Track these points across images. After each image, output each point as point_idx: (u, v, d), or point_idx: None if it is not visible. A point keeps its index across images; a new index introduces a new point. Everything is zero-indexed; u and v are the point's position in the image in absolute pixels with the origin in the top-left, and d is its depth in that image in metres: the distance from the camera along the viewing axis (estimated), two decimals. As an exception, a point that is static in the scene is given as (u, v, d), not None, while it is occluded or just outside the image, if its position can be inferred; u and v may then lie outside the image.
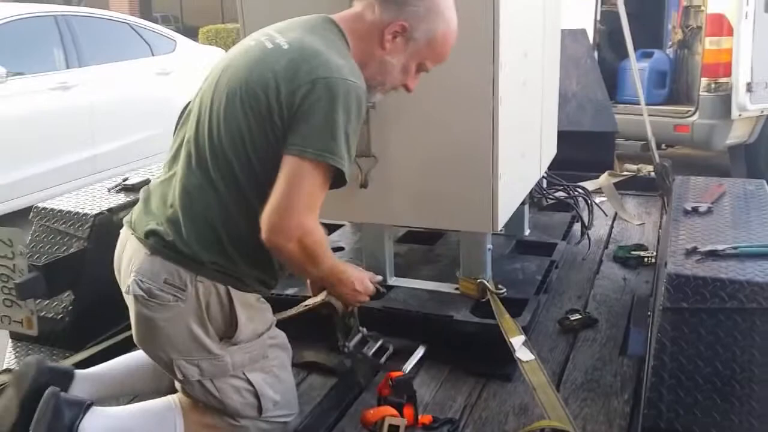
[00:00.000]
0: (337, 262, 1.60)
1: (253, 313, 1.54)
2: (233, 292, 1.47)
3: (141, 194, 1.58)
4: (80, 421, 1.48)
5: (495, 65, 1.82)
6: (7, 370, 1.83)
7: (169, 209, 1.46)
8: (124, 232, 1.55)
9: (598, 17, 5.45)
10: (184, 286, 1.43)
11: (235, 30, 17.73)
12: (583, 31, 3.97)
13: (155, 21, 19.93)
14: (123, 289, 1.50)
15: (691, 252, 1.54)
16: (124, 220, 1.57)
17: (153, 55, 6.00)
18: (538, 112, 2.41)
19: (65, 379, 1.61)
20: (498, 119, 1.85)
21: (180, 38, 6.55)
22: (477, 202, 1.93)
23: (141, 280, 1.43)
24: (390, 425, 1.53)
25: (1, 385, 1.70)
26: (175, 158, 1.52)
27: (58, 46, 5.08)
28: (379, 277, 1.78)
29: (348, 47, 1.48)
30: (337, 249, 2.46)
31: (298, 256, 1.41)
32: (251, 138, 1.40)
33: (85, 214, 2.06)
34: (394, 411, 1.57)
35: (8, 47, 4.71)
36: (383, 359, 1.87)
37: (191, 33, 13.32)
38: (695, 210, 1.83)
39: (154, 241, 1.45)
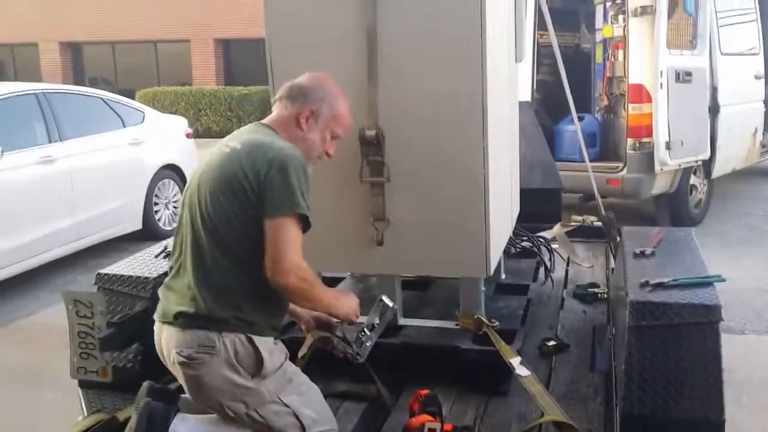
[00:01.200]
0: (330, 291, 2.04)
1: (272, 349, 1.92)
2: (253, 337, 1.87)
3: (160, 293, 1.97)
4: (171, 422, 1.85)
5: (484, 143, 2.33)
6: (98, 411, 2.16)
7: (188, 291, 1.86)
8: (157, 325, 1.94)
9: (534, 86, 6.19)
10: (213, 344, 1.82)
11: (172, 92, 18.10)
12: (528, 103, 4.63)
13: (87, 85, 20.08)
14: (170, 367, 1.89)
15: (644, 285, 2.07)
16: (155, 316, 1.96)
17: (124, 126, 6.36)
18: (508, 178, 2.95)
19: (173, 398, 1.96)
20: (488, 189, 2.36)
21: (147, 110, 6.93)
22: (473, 253, 2.42)
23: (181, 351, 1.83)
24: (429, 429, 1.97)
25: (96, 423, 2.04)
26: (178, 258, 1.93)
27: (40, 121, 5.39)
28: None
29: (279, 136, 1.96)
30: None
31: (299, 286, 1.83)
32: (236, 216, 1.83)
33: (146, 278, 2.44)
34: (431, 418, 2.01)
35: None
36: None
37: (127, 96, 13.51)
38: (642, 253, 2.39)
39: (182, 320, 1.85)
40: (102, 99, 6.33)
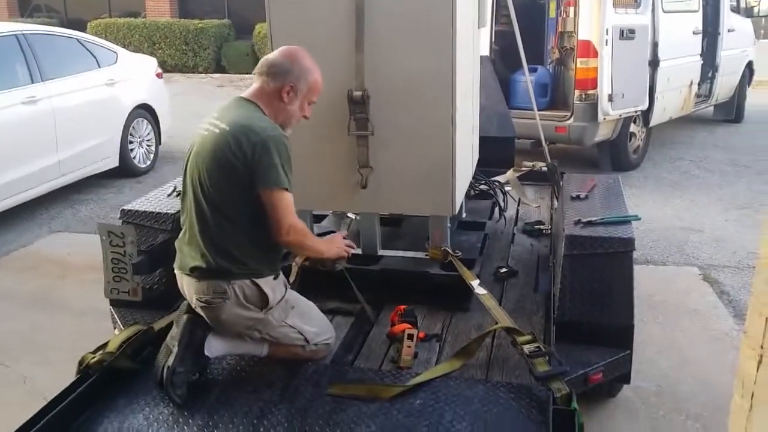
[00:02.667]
0: (316, 239, 2.50)
1: (273, 286, 2.37)
2: (256, 279, 2.32)
3: (177, 246, 2.40)
4: (207, 337, 2.34)
5: (453, 103, 2.80)
6: (135, 323, 2.61)
7: (197, 249, 2.29)
8: (177, 273, 2.38)
9: (493, 38, 6.60)
10: (224, 290, 2.27)
11: (125, 24, 17.73)
12: (487, 57, 5.06)
13: (37, 10, 19.38)
14: (194, 307, 2.33)
15: (577, 222, 2.62)
16: (174, 266, 2.39)
17: (99, 67, 6.55)
18: (470, 127, 3.44)
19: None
20: (455, 141, 2.85)
21: (120, 50, 7.10)
22: (441, 195, 2.91)
23: (200, 298, 2.29)
24: (408, 333, 2.51)
25: (136, 333, 2.49)
26: (186, 219, 2.35)
27: (22, 62, 5.57)
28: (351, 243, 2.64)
29: (261, 111, 2.35)
30: (329, 233, 3.38)
31: (296, 240, 2.29)
32: (230, 189, 2.24)
33: (166, 213, 2.87)
34: (410, 325, 2.55)
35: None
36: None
37: (78, 27, 13.11)
38: (578, 197, 2.94)
39: (197, 273, 2.29)
40: (77, 40, 6.47)
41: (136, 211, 2.89)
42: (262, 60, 2.42)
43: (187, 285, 2.35)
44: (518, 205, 4.19)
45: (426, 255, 3.07)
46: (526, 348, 2.28)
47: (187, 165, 2.36)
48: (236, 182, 2.22)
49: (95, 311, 3.70)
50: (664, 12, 6.65)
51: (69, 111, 5.89)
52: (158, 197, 3.08)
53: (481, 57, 4.95)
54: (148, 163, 7.20)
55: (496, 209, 3.86)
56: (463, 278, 2.81)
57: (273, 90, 2.34)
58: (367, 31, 2.74)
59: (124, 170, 6.82)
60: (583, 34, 6.01)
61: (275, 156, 2.20)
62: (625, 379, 2.50)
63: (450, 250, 2.99)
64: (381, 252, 3.13)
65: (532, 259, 3.41)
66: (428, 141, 2.84)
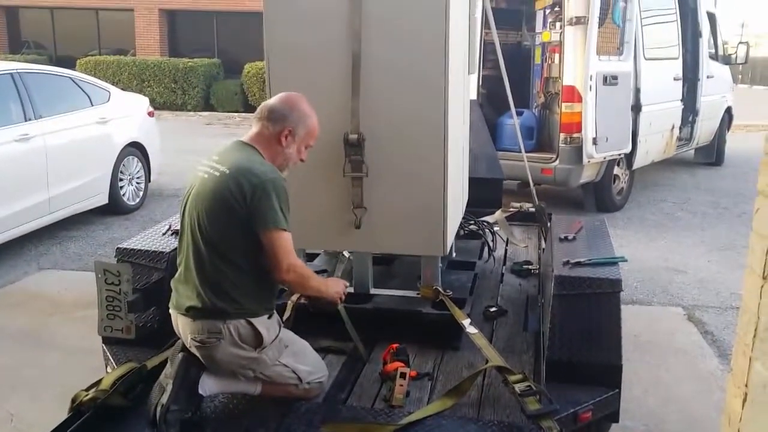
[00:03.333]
0: (321, 279, 2.56)
1: (268, 325, 2.40)
2: (251, 319, 2.35)
3: (172, 285, 2.43)
4: (201, 376, 2.35)
5: (445, 148, 2.89)
6: (129, 361, 2.62)
7: (194, 289, 2.33)
8: (173, 312, 2.41)
9: (480, 82, 6.78)
10: (219, 330, 2.30)
11: (115, 62, 17.87)
12: (475, 101, 5.20)
13: (27, 47, 19.51)
14: (188, 346, 2.35)
15: (566, 263, 2.69)
16: (170, 305, 2.42)
17: (92, 105, 6.62)
18: (461, 171, 3.53)
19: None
20: (447, 183, 2.92)
21: (112, 89, 7.19)
22: (433, 235, 2.98)
23: (195, 337, 2.32)
24: (401, 372, 2.55)
25: (129, 371, 2.50)
26: (183, 259, 2.39)
27: (16, 100, 5.64)
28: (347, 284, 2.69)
29: (260, 154, 2.42)
30: (322, 271, 3.43)
31: (296, 281, 2.35)
32: (228, 230, 2.28)
33: (161, 252, 2.90)
34: (402, 364, 2.59)
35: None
36: None
37: (67, 64, 13.21)
38: (566, 238, 3.02)
39: (193, 313, 2.33)
40: (71, 78, 6.56)
41: (132, 249, 2.92)
42: (261, 105, 2.50)
43: (182, 324, 2.37)
44: (506, 245, 4.27)
45: (417, 294, 3.11)
46: (518, 387, 2.32)
47: (185, 206, 2.40)
48: (235, 223, 2.27)
49: (85, 349, 3.70)
50: (645, 59, 6.88)
51: (61, 148, 5.94)
52: (153, 236, 3.12)
53: (471, 101, 5.13)
54: (137, 200, 7.24)
55: (486, 249, 3.93)
56: (454, 317, 2.86)
57: (272, 134, 2.42)
58: (363, 77, 2.84)
59: (114, 207, 6.84)
60: (568, 80, 6.20)
61: (274, 198, 2.26)
62: (614, 417, 2.53)
63: (441, 290, 3.04)
64: (373, 291, 3.17)
65: (521, 298, 3.47)
66: (421, 183, 2.92)
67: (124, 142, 6.93)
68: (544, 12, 6.80)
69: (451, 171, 2.95)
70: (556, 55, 6.48)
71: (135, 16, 20.58)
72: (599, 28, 6.14)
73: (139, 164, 7.25)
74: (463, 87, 3.48)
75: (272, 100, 2.50)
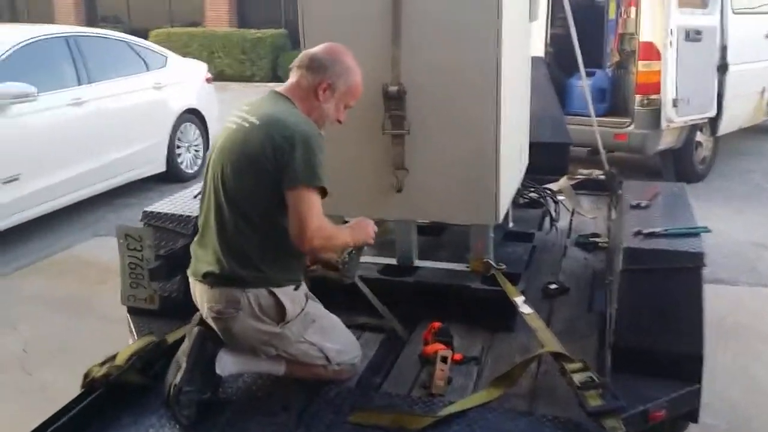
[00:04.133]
0: (345, 230, 2.27)
1: (293, 297, 2.15)
2: (274, 289, 2.10)
3: (191, 250, 2.21)
4: (218, 353, 2.12)
5: (497, 101, 2.54)
6: (149, 334, 2.43)
7: (213, 254, 2.10)
8: (191, 280, 2.18)
9: (548, 40, 6.29)
10: (238, 300, 2.06)
11: (185, 34, 18.04)
12: (540, 58, 4.78)
13: (103, 20, 20.04)
14: (205, 318, 2.13)
15: (637, 234, 2.31)
16: (188, 272, 2.20)
17: (148, 70, 6.53)
18: (518, 130, 3.16)
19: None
20: (500, 142, 2.58)
21: (169, 54, 7.08)
22: (484, 202, 2.65)
23: (212, 307, 2.09)
24: (442, 356, 2.25)
25: (148, 344, 2.31)
26: (204, 221, 2.17)
27: (70, 64, 5.58)
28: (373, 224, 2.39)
29: (296, 107, 2.16)
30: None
31: (322, 245, 2.09)
32: (255, 189, 2.04)
33: (188, 216, 2.69)
34: (443, 346, 2.29)
35: (31, 66, 5.20)
36: None
37: (140, 35, 13.45)
38: (638, 206, 2.62)
39: (210, 279, 2.09)
40: (127, 43, 6.49)
41: (158, 213, 2.72)
42: (302, 53, 2.26)
43: (199, 293, 2.16)
44: (572, 215, 3.87)
45: (467, 267, 2.80)
46: (577, 378, 1.99)
47: (210, 161, 2.18)
48: (263, 180, 2.04)
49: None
50: (733, 13, 6.21)
51: (115, 113, 5.87)
52: (183, 199, 2.91)
53: (534, 58, 4.68)
54: (196, 168, 7.14)
55: (547, 219, 3.55)
56: (506, 294, 2.53)
57: (309, 85, 2.17)
58: (405, 22, 2.51)
59: (172, 175, 6.77)
60: (645, 36, 5.65)
61: (308, 152, 2.01)
62: (692, 417, 2.16)
63: (493, 263, 2.72)
64: (417, 263, 2.88)
65: (586, 274, 3.10)
66: (470, 142, 2.58)
67: (182, 109, 6.83)
68: (620, -39, 6.23)
69: (505, 128, 2.60)
70: (633, 9, 5.93)
71: (204, -13, 20.66)
72: (682, -24, 5.54)
73: (197, 131, 7.15)
74: (523, 34, 3.09)
75: (315, 49, 2.24)
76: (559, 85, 6.06)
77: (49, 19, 20.79)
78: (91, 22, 21.96)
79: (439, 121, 2.59)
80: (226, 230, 2.09)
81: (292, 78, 2.22)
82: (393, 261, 2.88)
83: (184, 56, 8.01)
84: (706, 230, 2.33)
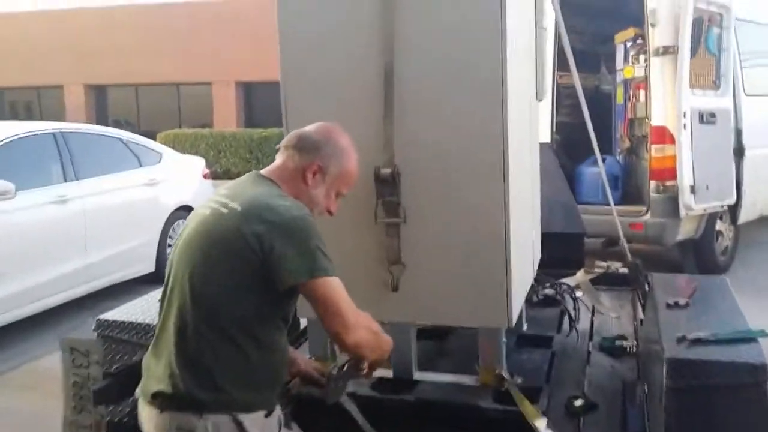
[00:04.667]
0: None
1: (263, 426, 1.74)
2: (240, 415, 1.70)
3: (143, 364, 1.84)
4: None
5: (505, 190, 2.20)
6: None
7: (167, 368, 1.72)
8: (140, 401, 1.80)
9: (554, 128, 6.08)
10: (192, 429, 1.67)
11: (192, 135, 18.23)
12: (548, 144, 4.50)
13: (113, 125, 20.41)
14: None
15: (681, 340, 1.91)
16: (136, 391, 1.83)
17: (141, 166, 6.32)
18: (531, 221, 2.81)
19: None
20: (510, 234, 2.22)
21: (165, 149, 6.92)
22: (494, 301, 2.26)
23: None
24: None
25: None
26: (163, 326, 1.80)
27: (56, 161, 5.36)
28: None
29: (281, 190, 1.84)
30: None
31: (369, 337, 1.76)
32: (231, 288, 1.69)
33: (148, 324, 2.30)
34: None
35: (12, 163, 4.97)
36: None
37: (149, 137, 13.63)
38: (676, 304, 2.22)
39: (160, 401, 1.72)
40: (120, 139, 6.32)
41: (113, 321, 2.34)
42: (291, 133, 1.98)
43: (146, 418, 1.76)
44: (592, 314, 3.44)
45: (476, 381, 2.38)
46: None
47: (174, 253, 1.84)
48: (244, 279, 1.70)
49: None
50: (746, 95, 6.02)
51: (103, 211, 5.59)
52: (147, 303, 2.54)
53: (541, 144, 4.42)
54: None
55: (566, 319, 3.13)
56: (524, 415, 2.10)
57: (297, 167, 1.89)
58: (398, 96, 2.22)
59: (161, 276, 6.38)
60: (657, 119, 5.42)
61: (310, 239, 1.70)
62: None
63: (507, 375, 2.29)
64: (417, 375, 2.45)
65: (615, 386, 2.64)
66: (475, 229, 2.23)
67: (175, 205, 6.56)
68: (625, 46, 6.10)
69: (516, 214, 2.26)
70: (642, 92, 5.75)
71: (213, 90, 21.17)
72: (691, 58, 5.35)
73: (191, 229, 6.85)
74: (530, 114, 2.80)
75: (306, 128, 1.97)
76: (566, 174, 5.79)
77: (60, 120, 21.26)
78: (101, 125, 22.45)
79: (440, 208, 2.25)
80: (185, 338, 1.72)
81: (278, 159, 1.94)
82: (388, 373, 2.46)
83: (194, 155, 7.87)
84: (765, 334, 1.92)
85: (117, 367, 2.22)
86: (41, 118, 21.79)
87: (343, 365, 1.99)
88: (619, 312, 3.51)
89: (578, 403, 2.45)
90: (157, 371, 1.75)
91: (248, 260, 1.68)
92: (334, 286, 1.70)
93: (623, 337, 3.08)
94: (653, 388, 2.01)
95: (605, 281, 3.85)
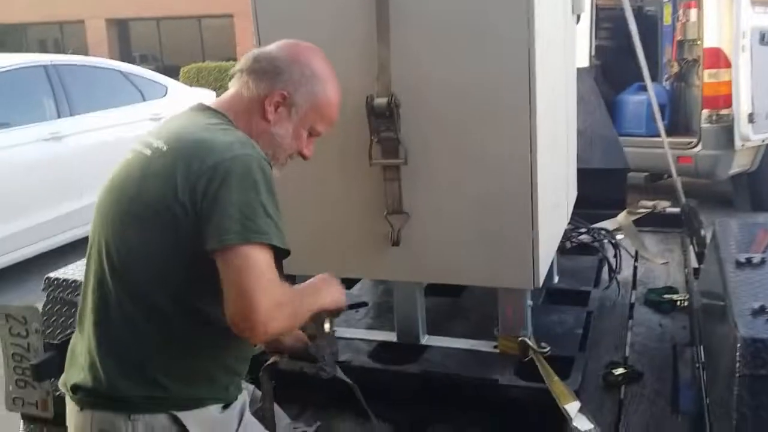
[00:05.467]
0: (307, 296, 1.49)
1: (214, 423, 1.39)
2: (179, 415, 1.34)
3: (69, 348, 1.47)
4: None
5: (531, 123, 1.75)
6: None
7: (87, 356, 1.36)
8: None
9: (593, 52, 5.49)
10: (118, 431, 1.32)
11: (216, 68, 17.79)
12: (587, 69, 3.97)
13: (134, 61, 20.13)
14: None
15: (758, 312, 1.46)
16: (59, 383, 1.48)
17: (144, 100, 5.93)
18: (564, 161, 2.35)
19: None
20: (536, 173, 1.78)
21: (171, 82, 6.51)
22: (516, 257, 1.84)
23: None
24: None
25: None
26: (83, 304, 1.43)
27: (49, 95, 4.99)
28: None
29: (232, 125, 1.42)
30: (361, 304, 2.36)
31: (283, 326, 1.34)
32: (157, 252, 1.31)
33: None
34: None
35: (-1, 98, 4.63)
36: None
37: (172, 72, 13.38)
38: (749, 262, 1.76)
39: (81, 395, 1.36)
40: (120, 71, 5.93)
41: (64, 280, 1.98)
42: (248, 53, 1.52)
43: (69, 413, 1.41)
44: (635, 261, 3.00)
45: (494, 347, 1.98)
46: None
47: (95, 214, 1.45)
48: (169, 242, 1.30)
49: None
50: (815, 11, 5.31)
51: (101, 149, 5.23)
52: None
53: (579, 69, 3.89)
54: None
55: (604, 269, 2.69)
56: (551, 394, 1.70)
57: (254, 97, 1.45)
58: (395, 7, 1.75)
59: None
60: (710, 41, 4.85)
61: (247, 188, 1.27)
62: None
63: (531, 344, 1.89)
64: (425, 339, 2.06)
65: (664, 350, 2.22)
66: (493, 174, 1.80)
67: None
68: (674, -41, 5.44)
69: (542, 155, 1.82)
70: (693, 11, 5.15)
71: (235, 22, 20.61)
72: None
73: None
74: (564, 31, 2.30)
75: (267, 47, 1.52)
76: (607, 102, 5.26)
77: (82, 58, 20.98)
78: (124, 60, 22.09)
79: (448, 145, 1.82)
80: (108, 319, 1.35)
81: (232, 87, 1.50)
82: (392, 336, 2.08)
83: (215, 90, 7.43)
84: None
85: (61, 336, 1.88)
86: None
87: (322, 323, 1.62)
88: (666, 258, 3.06)
89: (618, 371, 2.05)
90: (79, 357, 1.40)
91: (174, 213, 1.28)
92: (254, 261, 1.26)
93: (673, 289, 2.63)
94: (718, 369, 1.59)
95: (650, 222, 3.39)
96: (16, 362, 1.83)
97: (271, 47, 1.52)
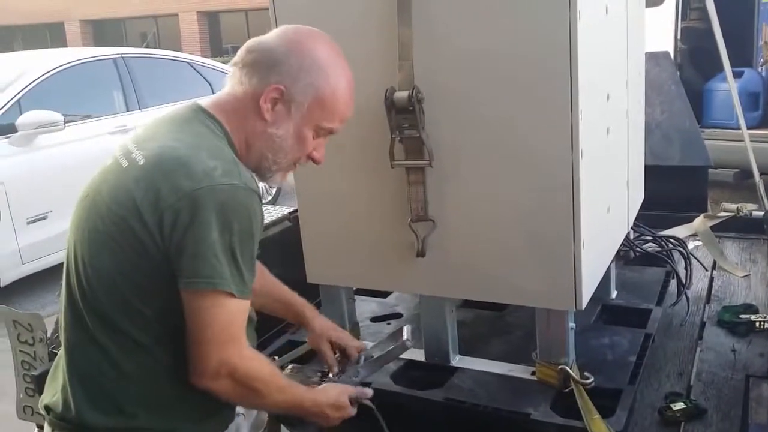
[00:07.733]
0: (298, 392, 1.33)
1: None
2: None
3: (52, 368, 1.37)
4: None
5: (573, 114, 1.52)
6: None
7: (63, 376, 1.26)
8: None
9: (679, 35, 5.06)
10: None
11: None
12: (666, 54, 3.60)
13: (227, 52, 20.65)
14: None
15: None
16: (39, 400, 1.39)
17: (213, 92, 5.95)
18: (624, 159, 2.08)
19: None
20: (579, 176, 1.55)
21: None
22: (555, 273, 1.62)
23: None
24: None
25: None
26: (59, 323, 1.32)
27: (118, 88, 5.08)
28: (369, 392, 1.50)
29: (224, 132, 1.26)
30: (395, 315, 2.19)
31: (235, 393, 1.21)
32: (126, 277, 1.18)
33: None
34: None
35: (67, 92, 4.73)
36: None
37: None
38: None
39: (51, 417, 1.26)
40: (189, 63, 5.98)
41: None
42: (245, 44, 1.36)
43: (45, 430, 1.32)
44: (711, 273, 2.67)
45: (532, 374, 1.77)
46: None
47: (71, 226, 1.33)
48: (138, 269, 1.18)
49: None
50: None
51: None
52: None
53: (658, 54, 3.55)
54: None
55: (673, 283, 2.40)
56: (590, 435, 1.48)
57: (248, 94, 1.29)
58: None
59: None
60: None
61: (215, 228, 1.15)
62: None
63: (572, 372, 1.66)
64: (455, 360, 1.87)
65: (735, 381, 1.92)
66: (529, 176, 1.58)
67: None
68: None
69: (590, 157, 1.58)
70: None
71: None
72: None
73: (272, 157, 6.51)
74: (627, 9, 2.03)
75: (264, 35, 1.35)
76: (693, 91, 4.84)
77: (176, 50, 21.74)
78: (216, 53, 22.71)
79: (479, 145, 1.61)
80: (79, 344, 1.25)
81: (228, 82, 1.36)
82: (421, 355, 1.90)
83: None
84: None
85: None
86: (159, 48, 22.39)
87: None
88: (747, 269, 2.71)
89: (677, 406, 1.78)
90: (58, 377, 1.30)
91: (141, 238, 1.16)
92: (220, 309, 1.15)
93: (752, 308, 2.31)
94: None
95: (733, 227, 3.04)
96: (24, 370, 1.78)
97: (268, 35, 1.36)
